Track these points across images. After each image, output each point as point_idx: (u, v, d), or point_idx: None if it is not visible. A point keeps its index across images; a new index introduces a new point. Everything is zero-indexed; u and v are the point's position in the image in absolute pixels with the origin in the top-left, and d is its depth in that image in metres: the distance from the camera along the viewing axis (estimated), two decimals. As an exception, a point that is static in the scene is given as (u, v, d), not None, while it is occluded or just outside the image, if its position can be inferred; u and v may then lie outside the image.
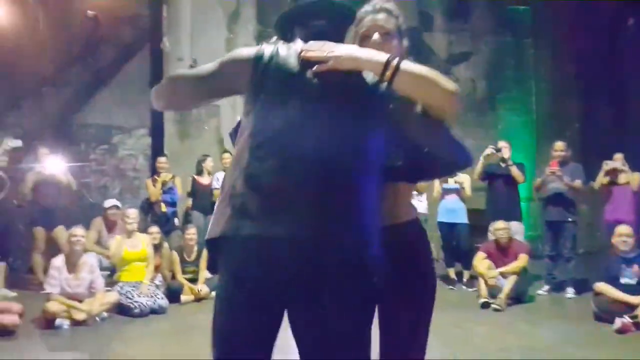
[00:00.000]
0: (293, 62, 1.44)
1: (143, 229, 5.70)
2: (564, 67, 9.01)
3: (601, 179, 6.02)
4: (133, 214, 5.22)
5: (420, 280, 1.70)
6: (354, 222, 1.39)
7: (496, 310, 4.93)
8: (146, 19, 7.76)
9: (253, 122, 1.46)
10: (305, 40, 1.48)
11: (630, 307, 4.38)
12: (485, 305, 5.02)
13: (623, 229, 4.76)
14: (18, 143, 5.55)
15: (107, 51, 7.67)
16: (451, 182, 6.05)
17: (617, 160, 6.00)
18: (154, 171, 6.79)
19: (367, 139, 1.43)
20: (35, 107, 7.33)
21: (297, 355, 1.47)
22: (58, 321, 4.31)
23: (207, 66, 1.57)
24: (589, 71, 8.83)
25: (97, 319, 4.49)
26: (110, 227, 6.03)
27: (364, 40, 1.59)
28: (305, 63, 1.42)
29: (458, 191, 6.06)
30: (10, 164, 5.84)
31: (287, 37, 1.53)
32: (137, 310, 4.68)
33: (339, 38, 1.51)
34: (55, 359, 3.61)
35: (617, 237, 4.73)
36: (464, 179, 6.06)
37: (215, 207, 1.49)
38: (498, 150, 5.89)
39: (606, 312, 4.48)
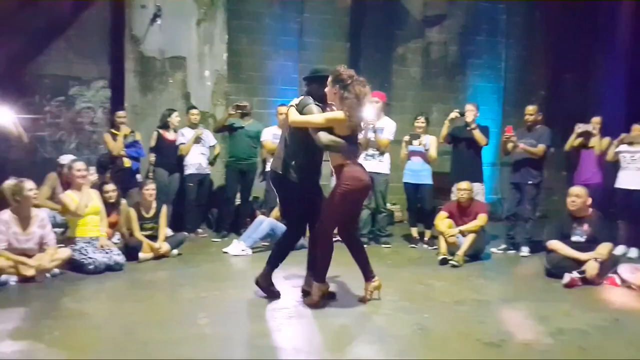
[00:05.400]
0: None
1: (99, 185, 5.53)
2: (534, 34, 9.03)
3: (572, 142, 6.13)
4: (80, 166, 4.93)
5: None
6: None
7: (454, 266, 5.06)
8: (106, -38, 7.33)
9: None
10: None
11: (579, 264, 4.56)
12: (444, 262, 5.14)
13: (573, 190, 4.88)
14: None
15: (63, -4, 7.24)
16: (416, 144, 6.05)
17: (592, 124, 6.10)
18: (113, 125, 6.55)
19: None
20: (-17, 54, 6.90)
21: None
22: (4, 277, 4.14)
23: None
24: (557, 40, 8.89)
25: (47, 275, 4.34)
26: (67, 184, 5.81)
27: None
28: None
29: (423, 153, 6.06)
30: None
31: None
32: (91, 267, 4.54)
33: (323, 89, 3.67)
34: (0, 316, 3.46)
35: (567, 198, 4.85)
36: (429, 141, 6.06)
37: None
38: (462, 114, 5.92)
39: (557, 269, 4.64)
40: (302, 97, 3.70)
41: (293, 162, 3.67)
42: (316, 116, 3.52)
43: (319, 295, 3.67)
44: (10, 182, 4.44)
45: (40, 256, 4.34)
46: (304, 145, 3.63)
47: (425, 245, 6.05)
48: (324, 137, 3.46)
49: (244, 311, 3.66)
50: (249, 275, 4.72)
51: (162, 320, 3.43)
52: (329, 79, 3.56)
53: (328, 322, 3.42)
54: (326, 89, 3.59)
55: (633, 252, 5.69)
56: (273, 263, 3.87)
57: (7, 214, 4.31)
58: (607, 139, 6.07)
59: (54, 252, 4.43)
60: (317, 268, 3.68)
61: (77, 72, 7.36)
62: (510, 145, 5.79)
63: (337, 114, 3.50)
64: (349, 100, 3.46)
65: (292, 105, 3.63)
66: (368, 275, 3.80)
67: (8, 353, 2.85)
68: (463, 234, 5.32)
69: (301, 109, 3.62)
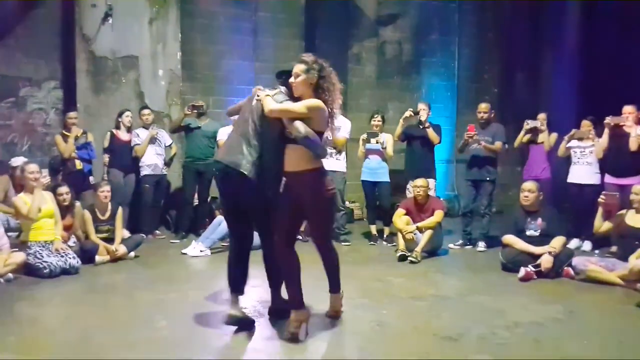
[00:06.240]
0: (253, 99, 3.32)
1: (52, 188, 5.37)
2: (486, 33, 9.29)
3: (521, 138, 6.34)
4: (33, 168, 4.80)
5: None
6: None
7: (412, 262, 5.16)
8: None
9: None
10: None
11: (533, 257, 4.69)
12: (402, 258, 5.24)
13: (525, 185, 5.05)
14: None
15: (11, -7, 6.96)
16: (374, 143, 6.14)
17: (539, 120, 6.31)
18: (65, 127, 6.37)
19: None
20: None
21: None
22: (-46, 283, 4.02)
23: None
24: (508, 39, 9.19)
25: (1, 280, 4.21)
26: (20, 186, 5.61)
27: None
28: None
29: (380, 151, 6.16)
30: None
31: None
32: (46, 271, 4.44)
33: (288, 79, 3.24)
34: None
35: (520, 193, 5.02)
36: (386, 139, 6.17)
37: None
38: (416, 113, 6.05)
39: (512, 263, 4.77)
40: (276, 90, 3.30)
41: (269, 161, 3.17)
42: (296, 104, 3.09)
43: (341, 305, 3.52)
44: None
45: (-8, 261, 4.21)
46: (279, 142, 3.17)
47: (385, 242, 6.14)
48: (302, 126, 2.99)
49: (202, 313, 3.64)
50: (208, 276, 4.73)
51: (119, 324, 3.39)
52: (301, 67, 3.12)
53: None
54: (296, 79, 3.14)
55: (586, 245, 5.84)
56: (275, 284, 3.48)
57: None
58: (554, 135, 6.31)
59: (8, 257, 4.32)
60: (330, 279, 3.44)
61: (27, 73, 7.09)
62: (462, 144, 5.93)
63: (317, 101, 3.10)
64: (329, 90, 3.14)
65: (268, 95, 3.17)
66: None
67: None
68: (420, 230, 5.43)
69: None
